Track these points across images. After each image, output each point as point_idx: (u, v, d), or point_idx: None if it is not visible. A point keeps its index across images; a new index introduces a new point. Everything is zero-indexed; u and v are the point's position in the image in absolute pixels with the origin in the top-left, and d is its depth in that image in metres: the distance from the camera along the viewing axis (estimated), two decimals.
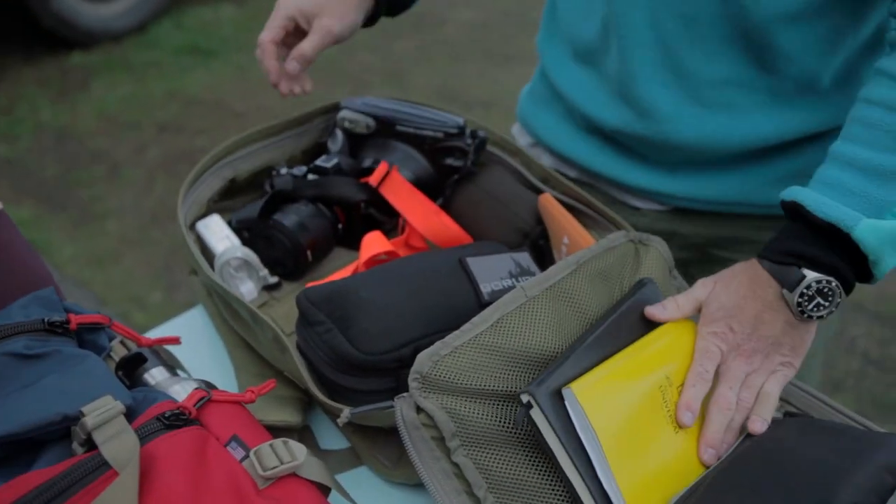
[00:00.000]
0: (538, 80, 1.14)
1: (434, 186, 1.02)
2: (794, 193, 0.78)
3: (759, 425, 0.74)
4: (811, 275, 0.76)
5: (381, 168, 0.99)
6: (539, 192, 0.99)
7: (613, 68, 0.97)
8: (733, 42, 0.90)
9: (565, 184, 0.98)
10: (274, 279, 0.96)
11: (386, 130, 1.03)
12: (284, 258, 0.96)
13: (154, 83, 3.56)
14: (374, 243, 0.92)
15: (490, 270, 0.84)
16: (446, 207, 1.00)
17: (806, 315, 0.77)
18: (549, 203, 0.94)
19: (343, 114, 1.04)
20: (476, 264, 0.84)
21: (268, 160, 1.05)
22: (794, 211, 0.78)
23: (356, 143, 1.04)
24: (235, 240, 0.96)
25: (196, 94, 3.48)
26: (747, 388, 0.76)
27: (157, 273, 2.51)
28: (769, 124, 0.92)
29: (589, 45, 1.01)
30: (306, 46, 0.98)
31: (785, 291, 0.77)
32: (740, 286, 0.79)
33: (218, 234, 0.96)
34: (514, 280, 0.85)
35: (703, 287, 0.80)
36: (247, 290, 0.95)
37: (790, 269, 0.77)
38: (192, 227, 0.98)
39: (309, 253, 0.96)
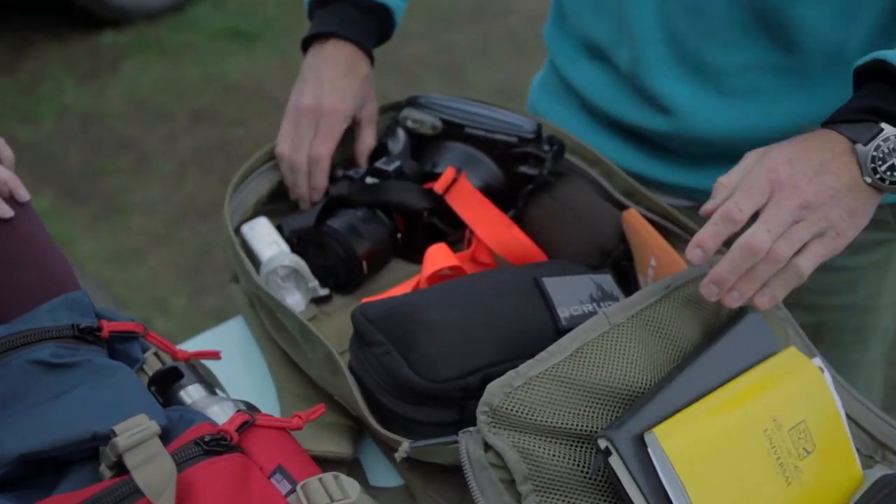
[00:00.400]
0: (549, 71, 1.15)
1: (505, 196, 1.01)
2: (874, 54, 0.76)
3: (766, 300, 0.70)
4: (890, 129, 0.73)
5: (448, 174, 0.98)
6: (622, 206, 0.98)
7: (626, 65, 0.98)
8: (748, 27, 0.90)
9: (651, 198, 0.97)
10: (324, 291, 0.96)
11: (453, 133, 1.02)
12: (337, 268, 0.96)
13: (189, 67, 3.60)
14: (438, 256, 0.91)
15: (568, 293, 0.83)
16: (518, 220, 1.00)
17: (878, 176, 0.73)
18: (634, 220, 0.92)
19: (407, 112, 1.03)
20: (553, 285, 0.83)
21: None
22: (874, 70, 0.76)
23: (419, 145, 1.04)
24: (284, 246, 0.96)
25: (235, 80, 3.51)
26: (787, 238, 0.71)
27: (183, 276, 2.53)
28: (799, 107, 0.92)
29: (601, 42, 1.02)
30: (370, 141, 1.05)
31: (858, 146, 0.73)
32: (803, 142, 0.75)
33: (265, 238, 0.96)
34: (594, 305, 0.83)
35: (754, 153, 0.76)
36: (294, 301, 0.95)
37: (865, 125, 0.74)
38: (237, 230, 0.98)
39: (364, 264, 0.95)
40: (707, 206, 0.74)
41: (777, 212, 0.71)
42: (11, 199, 0.84)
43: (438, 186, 0.98)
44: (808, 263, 0.72)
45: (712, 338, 0.75)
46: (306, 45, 1.05)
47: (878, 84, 0.76)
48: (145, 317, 2.35)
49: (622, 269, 0.94)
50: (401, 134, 1.04)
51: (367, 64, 1.05)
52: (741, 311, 0.78)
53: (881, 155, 0.73)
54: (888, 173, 0.73)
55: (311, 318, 0.95)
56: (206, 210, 2.78)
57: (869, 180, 0.74)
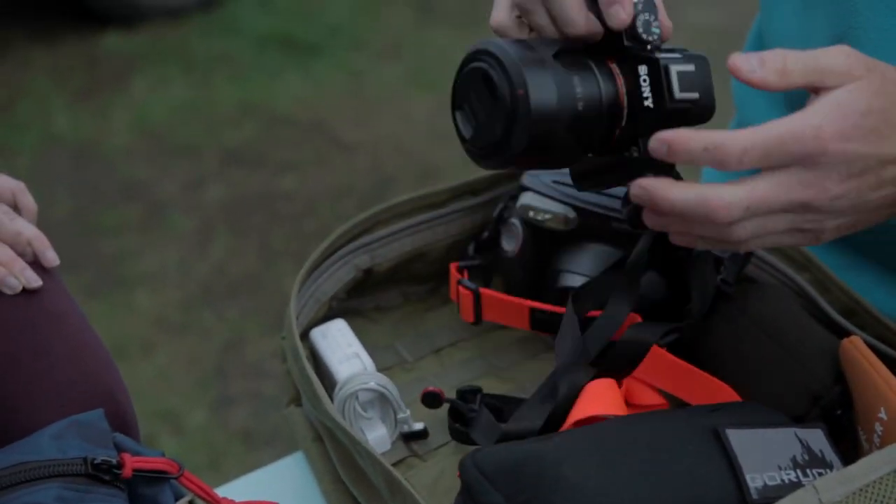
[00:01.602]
0: None
1: (667, 312, 1.03)
2: None
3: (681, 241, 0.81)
4: None
5: None
6: (842, 332, 0.99)
7: None
8: None
9: (885, 322, 0.98)
10: (419, 426, 0.99)
11: (594, 226, 1.05)
12: None
13: (223, 88, 3.69)
14: (599, 397, 0.94)
15: (762, 452, 0.85)
16: (687, 348, 1.01)
17: None
18: (858, 352, 0.93)
19: (526, 200, 1.08)
20: (740, 441, 0.85)
21: (419, 244, 1.11)
22: None
23: (545, 242, 1.08)
24: (367, 360, 0.99)
25: (285, 109, 3.59)
26: (756, 226, 0.78)
27: (204, 379, 2.59)
28: None
29: None
30: None
31: None
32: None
33: (343, 349, 1.00)
34: (799, 472, 0.85)
35: (842, 54, 0.78)
36: (376, 438, 0.98)
37: None
38: (305, 334, 1.02)
39: None
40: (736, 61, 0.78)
41: (774, 197, 0.77)
42: (36, 264, 0.90)
43: None
44: (753, 246, 0.81)
45: None
46: None
47: None
48: (147, 434, 2.40)
49: (837, 420, 0.95)
50: (517, 226, 1.09)
51: None
52: None
53: None
54: None
55: (400, 461, 0.98)
56: (238, 287, 2.84)
57: None
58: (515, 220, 1.09)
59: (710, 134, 0.76)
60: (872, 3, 0.97)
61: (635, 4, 0.83)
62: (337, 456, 0.95)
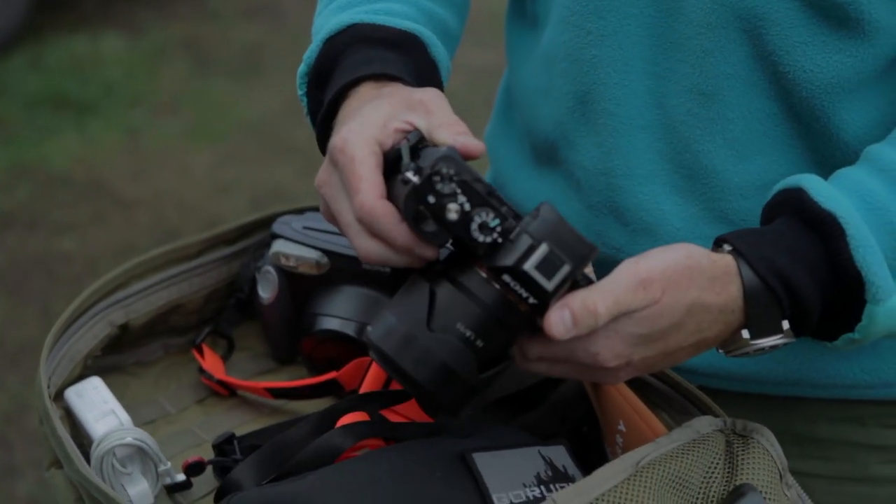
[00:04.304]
0: None
1: None
2: (798, 180, 0.88)
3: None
4: (787, 334, 0.86)
5: (354, 367, 1.04)
6: None
7: (591, 164, 1.03)
8: (774, 124, 0.96)
9: None
10: (180, 477, 1.00)
11: (345, 269, 1.08)
12: None
13: None
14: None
15: (507, 472, 0.88)
16: None
17: (721, 351, 0.89)
18: None
19: (278, 247, 1.10)
20: (486, 462, 0.88)
21: (175, 296, 1.11)
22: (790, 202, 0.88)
23: (299, 287, 1.10)
24: (124, 415, 1.00)
25: (61, 169, 3.54)
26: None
27: None
28: None
29: (550, 136, 1.07)
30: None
31: (744, 332, 0.86)
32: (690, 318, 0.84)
33: (98, 406, 0.99)
34: (543, 488, 0.88)
35: (641, 290, 0.81)
36: (138, 493, 0.98)
37: (771, 310, 0.85)
38: (60, 395, 1.02)
39: None
40: (558, 332, 0.79)
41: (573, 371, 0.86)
42: None
43: (345, 379, 1.04)
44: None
45: None
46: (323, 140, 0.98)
47: (795, 224, 0.87)
48: None
49: (583, 437, 0.99)
50: (272, 273, 1.11)
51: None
52: (738, 491, 0.84)
53: (752, 352, 0.87)
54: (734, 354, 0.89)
55: None
56: (18, 356, 2.79)
57: (721, 351, 0.89)
58: (270, 268, 1.11)
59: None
60: (613, 60, 1.00)
61: (462, 209, 0.79)
62: None
